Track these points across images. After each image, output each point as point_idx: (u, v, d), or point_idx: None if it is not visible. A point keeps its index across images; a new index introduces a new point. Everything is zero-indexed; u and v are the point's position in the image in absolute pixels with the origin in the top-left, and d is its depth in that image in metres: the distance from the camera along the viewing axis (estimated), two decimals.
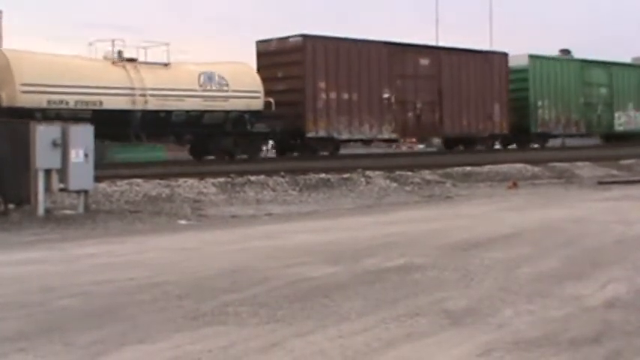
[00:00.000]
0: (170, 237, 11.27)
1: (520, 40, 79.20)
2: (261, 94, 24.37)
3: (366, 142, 30.55)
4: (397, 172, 21.14)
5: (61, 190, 13.61)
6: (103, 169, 16.87)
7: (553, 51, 36.53)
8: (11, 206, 13.39)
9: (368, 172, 20.50)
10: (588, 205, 14.77)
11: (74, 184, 13.53)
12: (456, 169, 22.74)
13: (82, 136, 13.67)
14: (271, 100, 24.12)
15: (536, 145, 33.56)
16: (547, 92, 32.93)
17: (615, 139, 37.02)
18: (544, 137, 33.45)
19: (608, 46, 71.96)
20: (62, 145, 13.29)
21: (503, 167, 23.51)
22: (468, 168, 22.96)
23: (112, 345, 5.29)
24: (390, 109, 27.25)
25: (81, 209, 13.71)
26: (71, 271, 8.26)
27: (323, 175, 19.71)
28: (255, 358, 5.01)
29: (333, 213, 14.50)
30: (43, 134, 13.20)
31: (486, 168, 23.16)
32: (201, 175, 18.45)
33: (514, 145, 34.45)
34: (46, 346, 5.29)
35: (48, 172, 13.23)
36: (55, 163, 13.24)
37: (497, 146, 34.04)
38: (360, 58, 26.64)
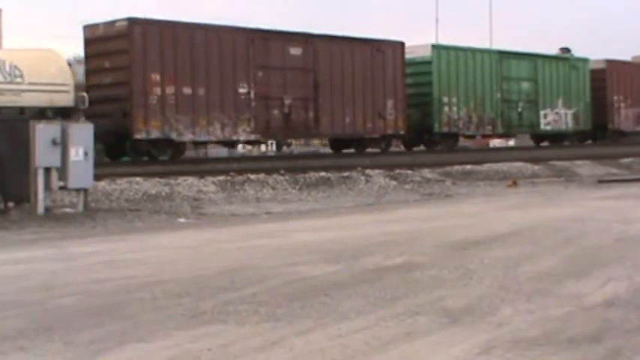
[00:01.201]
0: (170, 235, 11.27)
1: (520, 40, 79.19)
2: (71, 88, 20.00)
3: (230, 145, 26.53)
4: (397, 171, 21.16)
5: (61, 188, 13.61)
6: (103, 167, 16.88)
7: (553, 50, 36.43)
8: (11, 204, 13.38)
9: (368, 171, 20.52)
10: (588, 204, 14.77)
11: (74, 182, 13.53)
12: (456, 167, 22.77)
13: (82, 135, 13.67)
14: (85, 94, 19.99)
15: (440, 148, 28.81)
16: (455, 87, 28.53)
17: (543, 139, 33.62)
18: (452, 138, 28.95)
19: (608, 45, 71.93)
20: (62, 144, 13.29)
21: (503, 166, 23.54)
22: (468, 166, 22.98)
23: (112, 343, 5.30)
24: (248, 106, 22.88)
25: (80, 208, 13.71)
26: (71, 269, 8.27)
27: (323, 174, 19.73)
28: (254, 356, 5.01)
29: (332, 211, 14.50)
30: (43, 132, 13.20)
31: (486, 166, 23.19)
32: (201, 174, 18.46)
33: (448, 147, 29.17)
34: (46, 345, 5.29)
35: (48, 171, 13.23)
36: (54, 161, 13.24)
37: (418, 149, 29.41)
38: (208, 47, 22.30)
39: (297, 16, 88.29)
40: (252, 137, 23.41)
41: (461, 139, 30.84)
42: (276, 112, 23.81)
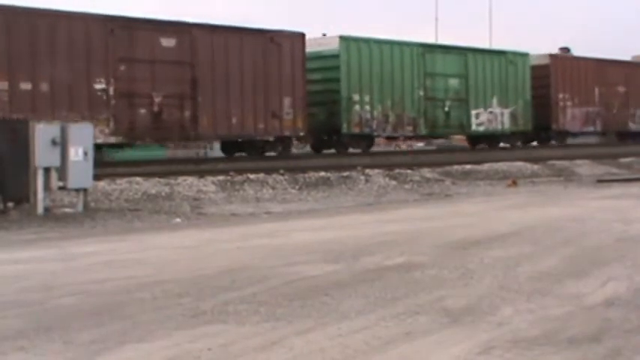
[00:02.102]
0: (170, 235, 11.27)
1: (520, 39, 79.20)
2: None
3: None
4: (397, 170, 21.17)
5: (61, 188, 13.61)
6: (103, 167, 16.89)
7: (553, 49, 36.41)
8: (10, 205, 13.37)
9: (367, 171, 20.53)
10: (588, 204, 14.77)
11: (73, 182, 13.53)
12: (456, 167, 22.78)
13: (82, 135, 13.67)
14: None
15: (358, 150, 26.14)
16: (368, 84, 25.63)
17: (478, 141, 30.97)
18: (365, 139, 26.20)
19: (608, 44, 71.90)
20: (61, 144, 13.29)
21: (503, 165, 23.55)
22: (468, 166, 23.00)
23: (111, 343, 5.29)
24: (106, 105, 20.31)
25: (80, 208, 13.71)
26: (71, 269, 8.26)
27: (322, 174, 19.74)
28: (254, 356, 5.01)
29: (332, 211, 14.50)
30: (43, 133, 13.20)
31: (486, 166, 23.20)
32: (201, 174, 18.46)
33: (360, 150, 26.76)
34: (46, 345, 5.29)
35: (47, 171, 13.23)
36: (54, 161, 13.24)
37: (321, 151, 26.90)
38: (55, 37, 19.69)
39: (298, 16, 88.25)
40: (113, 139, 20.65)
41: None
42: (143, 111, 21.22)
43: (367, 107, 25.79)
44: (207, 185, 17.45)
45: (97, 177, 14.73)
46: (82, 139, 13.58)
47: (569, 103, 32.84)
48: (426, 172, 21.60)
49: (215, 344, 5.22)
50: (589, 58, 34.00)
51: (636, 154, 27.74)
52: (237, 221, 13.05)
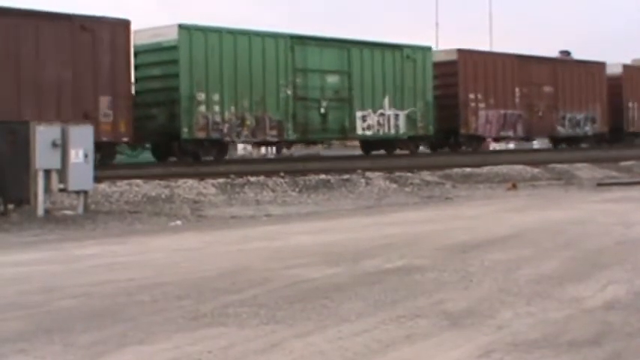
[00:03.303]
0: (170, 238, 11.27)
1: (521, 43, 79.22)
2: None
3: None
4: (397, 173, 21.16)
5: (61, 190, 13.61)
6: (103, 169, 16.89)
7: (553, 52, 36.38)
8: (11, 206, 13.39)
9: (367, 173, 20.53)
10: (588, 207, 14.77)
11: (74, 184, 13.53)
12: (456, 170, 22.77)
13: (82, 137, 13.68)
14: None
15: (207, 159, 22.73)
16: (217, 80, 22.13)
17: (372, 147, 27.87)
18: (216, 146, 22.81)
19: (609, 48, 71.98)
20: (62, 146, 13.30)
21: (503, 168, 23.54)
22: (468, 169, 22.99)
23: (112, 345, 5.29)
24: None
25: (80, 210, 13.71)
26: (71, 271, 8.26)
27: (323, 176, 19.73)
28: (254, 358, 5.01)
29: (332, 214, 14.50)
30: (43, 134, 13.21)
31: (486, 169, 23.19)
32: (201, 176, 18.46)
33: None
34: (47, 347, 5.29)
35: (48, 173, 13.24)
36: (54, 163, 13.25)
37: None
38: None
39: (299, 16, 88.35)
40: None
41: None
42: None
43: (216, 108, 22.19)
44: (207, 188, 17.44)
45: (97, 179, 14.74)
46: (82, 141, 13.59)
47: (482, 105, 29.25)
48: (426, 175, 21.59)
49: (215, 347, 5.22)
50: (508, 53, 30.86)
51: (637, 158, 27.72)
52: (238, 224, 13.06)
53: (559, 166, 24.96)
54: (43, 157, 13.14)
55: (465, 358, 5.02)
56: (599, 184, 20.85)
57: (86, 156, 13.53)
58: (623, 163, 26.75)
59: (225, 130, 22.59)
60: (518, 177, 22.51)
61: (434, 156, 28.30)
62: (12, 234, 11.75)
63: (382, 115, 26.22)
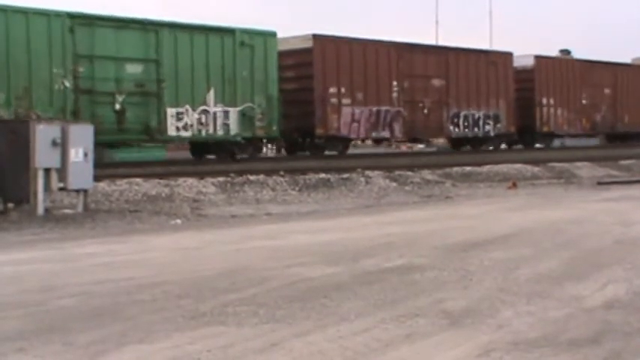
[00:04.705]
0: (170, 237, 11.27)
1: (521, 41, 79.18)
2: None
3: None
4: (397, 172, 21.17)
5: (61, 189, 13.61)
6: (102, 168, 16.87)
7: (553, 51, 36.34)
8: (10, 205, 13.38)
9: (367, 172, 20.53)
10: (588, 206, 14.77)
11: (74, 183, 13.52)
12: (456, 169, 22.77)
13: (82, 136, 13.67)
14: None
15: None
16: None
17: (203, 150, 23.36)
18: None
19: (609, 46, 71.97)
20: (62, 144, 13.29)
21: (503, 167, 23.54)
22: (468, 168, 22.99)
23: (111, 345, 5.29)
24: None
25: (80, 208, 13.71)
26: (71, 270, 8.26)
27: (322, 175, 19.73)
28: (254, 358, 5.01)
29: (332, 213, 14.50)
30: (43, 133, 13.20)
31: (486, 168, 23.19)
32: (201, 175, 18.46)
33: None
34: (46, 346, 5.29)
35: (47, 172, 13.23)
36: (54, 162, 13.24)
37: None
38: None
39: (300, 16, 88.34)
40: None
41: None
42: None
43: None
44: (207, 186, 17.45)
45: (97, 178, 14.73)
46: (82, 140, 13.58)
47: (346, 101, 24.87)
48: (427, 174, 21.60)
49: (214, 346, 5.22)
50: (384, 41, 26.32)
51: (636, 157, 27.72)
52: (237, 223, 13.05)
53: (559, 164, 24.97)
54: (43, 155, 13.13)
55: (464, 357, 5.02)
56: (599, 183, 20.85)
57: (86, 155, 13.52)
58: (622, 162, 26.76)
59: None
60: (519, 176, 22.51)
61: (434, 155, 28.16)
62: (12, 233, 11.75)
63: (205, 112, 21.51)
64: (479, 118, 28.87)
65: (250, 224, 12.74)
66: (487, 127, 29.14)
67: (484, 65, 28.92)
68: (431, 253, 9.00)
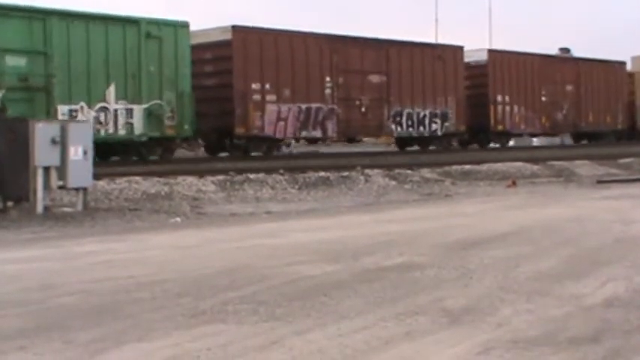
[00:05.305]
0: (169, 235, 11.26)
1: (521, 39, 79.17)
2: None
3: None
4: (396, 171, 21.16)
5: (60, 187, 13.60)
6: (102, 166, 16.87)
7: (552, 50, 36.32)
8: (10, 204, 13.38)
9: (367, 171, 20.51)
10: (587, 204, 14.77)
11: (73, 181, 13.52)
12: (455, 167, 22.75)
13: (81, 134, 13.67)
14: None
15: None
16: None
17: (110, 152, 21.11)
18: None
19: (609, 45, 71.95)
20: (61, 143, 13.28)
21: (503, 166, 23.53)
22: (467, 166, 22.97)
23: (111, 343, 5.29)
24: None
25: (80, 207, 13.70)
26: (70, 268, 8.26)
27: (322, 173, 19.72)
28: (254, 356, 5.01)
29: (332, 211, 14.50)
30: (42, 132, 13.20)
31: (485, 166, 23.18)
32: (201, 173, 18.45)
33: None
34: (46, 344, 5.29)
35: (47, 170, 13.22)
36: (54, 160, 13.23)
37: None
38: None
39: (300, 16, 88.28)
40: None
41: None
42: None
43: None
44: (207, 185, 17.44)
45: (96, 176, 14.73)
46: (81, 138, 13.58)
47: (271, 97, 23.21)
48: (426, 173, 21.59)
49: (214, 344, 5.22)
50: (315, 33, 24.61)
51: (636, 155, 27.72)
52: (237, 221, 13.05)
53: (559, 163, 24.97)
54: (43, 154, 13.12)
55: (464, 355, 5.02)
56: (599, 182, 20.84)
57: (85, 153, 13.52)
58: (622, 160, 26.75)
59: None
60: (518, 174, 22.50)
61: (434, 153, 28.05)
62: (11, 231, 11.75)
63: (104, 110, 19.73)
64: (424, 116, 27.55)
65: (250, 222, 12.74)
66: (434, 126, 27.82)
67: (430, 60, 27.50)
68: (431, 252, 9.00)
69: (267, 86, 23.10)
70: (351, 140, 28.65)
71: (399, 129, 26.87)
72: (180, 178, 17.52)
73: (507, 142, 32.26)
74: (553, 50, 36.15)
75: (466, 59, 29.07)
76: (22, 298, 6.74)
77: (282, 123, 23.53)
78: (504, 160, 24.59)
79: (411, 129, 27.20)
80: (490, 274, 7.60)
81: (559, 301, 6.44)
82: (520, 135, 33.02)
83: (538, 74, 31.45)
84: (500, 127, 30.59)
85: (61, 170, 13.32)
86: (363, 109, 25.71)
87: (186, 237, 10.97)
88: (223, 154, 24.14)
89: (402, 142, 28.75)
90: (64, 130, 13.41)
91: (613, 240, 9.87)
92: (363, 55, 25.52)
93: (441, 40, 35.02)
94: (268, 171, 19.37)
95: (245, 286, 7.07)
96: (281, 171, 19.50)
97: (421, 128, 27.47)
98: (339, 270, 7.92)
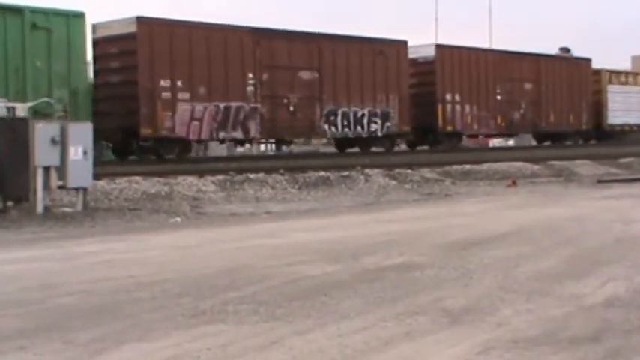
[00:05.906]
0: (169, 235, 11.26)
1: (521, 39, 79.18)
2: None
3: None
4: (396, 170, 21.16)
5: (60, 187, 13.61)
6: (103, 166, 16.87)
7: (552, 50, 36.30)
8: (10, 204, 13.37)
9: (367, 170, 20.52)
10: (588, 204, 14.77)
11: (73, 181, 13.52)
12: (455, 167, 22.77)
13: (81, 134, 13.67)
14: None
15: None
16: None
17: None
18: None
19: (609, 45, 71.95)
20: (61, 143, 13.28)
21: (503, 166, 23.54)
22: (467, 166, 22.99)
23: (111, 343, 5.29)
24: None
25: (80, 207, 13.70)
26: (70, 268, 8.26)
27: (322, 173, 19.73)
28: (254, 356, 5.01)
29: (332, 211, 14.50)
30: (42, 132, 13.20)
31: (485, 166, 23.19)
32: (201, 173, 18.45)
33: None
34: (46, 344, 5.29)
35: (47, 170, 13.22)
36: (54, 160, 13.23)
37: None
38: None
39: (301, 15, 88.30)
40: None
41: None
42: None
43: None
44: (207, 185, 17.44)
45: (96, 176, 14.73)
46: (81, 139, 13.57)
47: (184, 95, 21.29)
48: (426, 172, 21.59)
49: (214, 344, 5.22)
50: (237, 26, 22.83)
51: (636, 155, 27.72)
52: (237, 221, 13.05)
53: (559, 163, 24.97)
54: (43, 154, 13.12)
55: (464, 354, 5.02)
56: (599, 181, 20.84)
57: (85, 153, 13.52)
58: (622, 160, 26.76)
59: None
60: (518, 174, 22.51)
61: (434, 153, 27.97)
62: (11, 231, 11.75)
63: None
64: (363, 116, 25.49)
65: (250, 222, 12.74)
66: (374, 127, 25.77)
67: (370, 56, 25.46)
68: (431, 251, 8.99)
69: (179, 83, 21.17)
70: (279, 142, 26.20)
71: (333, 129, 24.84)
72: (180, 178, 17.52)
73: (459, 142, 30.12)
74: (553, 50, 36.12)
75: (413, 55, 27.28)
76: (22, 298, 6.74)
77: (196, 123, 21.57)
78: (504, 160, 24.59)
79: (347, 129, 25.17)
80: (490, 273, 7.60)
81: (559, 301, 6.44)
82: (476, 136, 31.28)
83: (493, 71, 29.56)
84: (449, 128, 28.78)
85: (61, 170, 13.33)
86: (291, 108, 23.63)
87: (186, 237, 10.97)
88: (132, 158, 22.03)
89: (340, 143, 27.05)
90: (64, 131, 13.41)
91: (613, 240, 9.86)
92: (291, 49, 23.49)
93: (441, 40, 34.58)
94: (268, 171, 19.38)
95: (245, 286, 7.07)
96: (281, 171, 19.50)
97: (359, 129, 25.46)
98: (339, 270, 7.92)
